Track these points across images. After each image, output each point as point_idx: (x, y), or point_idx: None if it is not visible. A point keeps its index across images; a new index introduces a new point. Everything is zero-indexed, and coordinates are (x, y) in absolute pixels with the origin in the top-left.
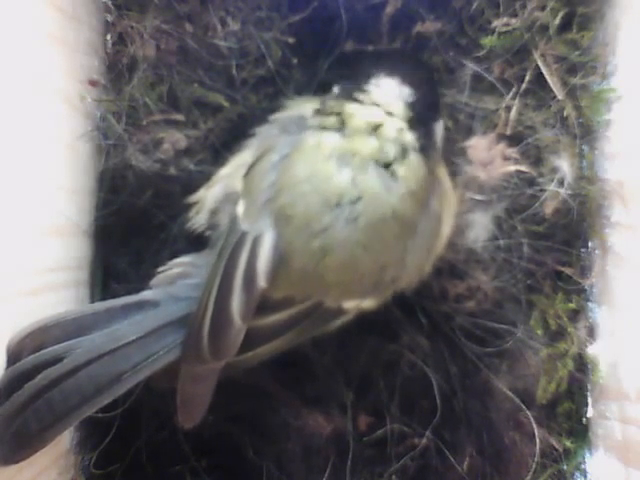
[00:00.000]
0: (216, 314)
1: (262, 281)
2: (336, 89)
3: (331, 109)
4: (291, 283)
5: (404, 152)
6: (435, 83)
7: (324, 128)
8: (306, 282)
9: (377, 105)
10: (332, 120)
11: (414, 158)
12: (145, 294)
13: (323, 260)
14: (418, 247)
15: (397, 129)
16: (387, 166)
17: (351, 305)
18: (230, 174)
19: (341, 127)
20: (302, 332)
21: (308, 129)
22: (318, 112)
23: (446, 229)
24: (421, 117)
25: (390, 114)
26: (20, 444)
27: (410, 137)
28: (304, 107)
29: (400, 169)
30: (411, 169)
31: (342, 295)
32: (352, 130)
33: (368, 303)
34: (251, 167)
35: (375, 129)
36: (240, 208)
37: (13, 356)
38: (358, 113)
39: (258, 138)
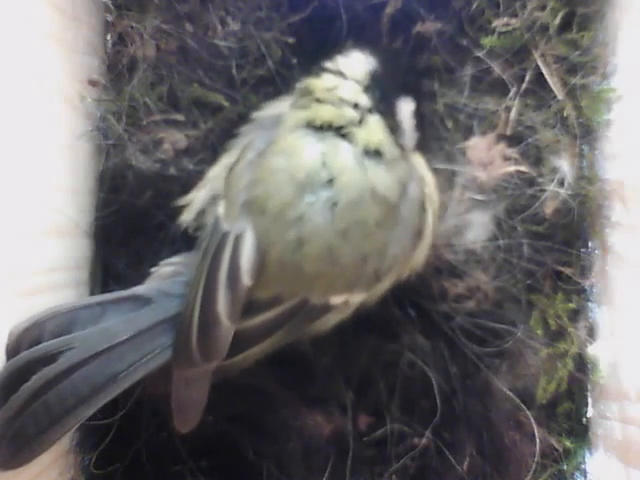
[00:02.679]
0: (203, 316)
1: (246, 279)
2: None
3: (301, 91)
4: (274, 280)
5: (362, 114)
6: (412, 71)
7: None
8: (286, 276)
9: (339, 72)
10: (305, 100)
11: (372, 120)
12: (137, 289)
13: (300, 250)
14: (400, 236)
15: (351, 90)
16: (344, 129)
17: (338, 301)
18: (216, 175)
19: (309, 104)
20: (291, 331)
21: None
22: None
23: (431, 218)
24: (380, 85)
25: (345, 77)
26: (18, 448)
27: (365, 99)
28: (283, 105)
29: (359, 132)
30: (371, 130)
31: (327, 290)
32: (313, 101)
33: (356, 298)
34: (231, 168)
35: (329, 91)
36: (221, 209)
37: (12, 352)
38: (317, 82)
39: (240, 138)
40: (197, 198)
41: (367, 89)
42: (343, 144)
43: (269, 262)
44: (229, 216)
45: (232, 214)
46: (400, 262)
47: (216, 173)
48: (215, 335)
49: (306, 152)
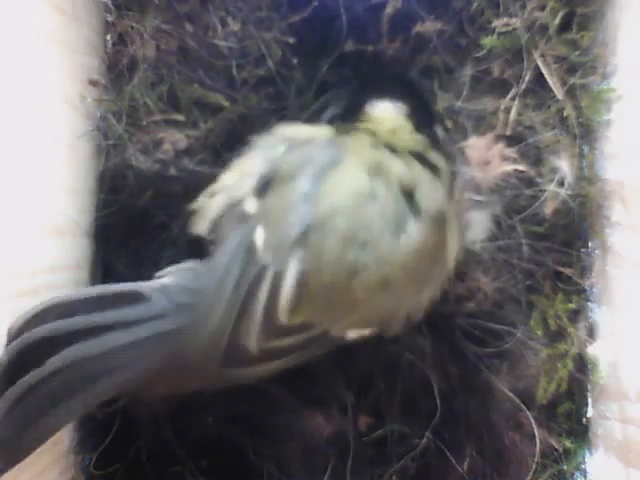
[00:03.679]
0: (232, 347)
1: (283, 317)
2: (325, 117)
3: (346, 129)
4: (309, 308)
5: (425, 150)
6: (425, 97)
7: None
8: (326, 304)
9: (381, 121)
10: (361, 134)
11: (433, 153)
12: (138, 285)
13: (356, 277)
14: (435, 280)
15: (409, 131)
16: (421, 158)
17: (354, 335)
18: (234, 184)
19: (373, 135)
20: (301, 356)
21: (342, 152)
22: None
23: (451, 258)
24: (422, 122)
25: (397, 123)
26: (7, 442)
27: (420, 137)
28: (307, 131)
29: (432, 155)
30: (437, 159)
31: (354, 324)
32: (380, 137)
33: (368, 332)
34: (269, 189)
35: (394, 134)
36: (259, 238)
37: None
38: (374, 125)
39: (263, 150)
40: (211, 206)
41: (417, 130)
42: (425, 171)
43: (316, 287)
44: (270, 248)
45: (275, 247)
46: (422, 306)
47: (233, 181)
48: (240, 364)
49: (389, 161)
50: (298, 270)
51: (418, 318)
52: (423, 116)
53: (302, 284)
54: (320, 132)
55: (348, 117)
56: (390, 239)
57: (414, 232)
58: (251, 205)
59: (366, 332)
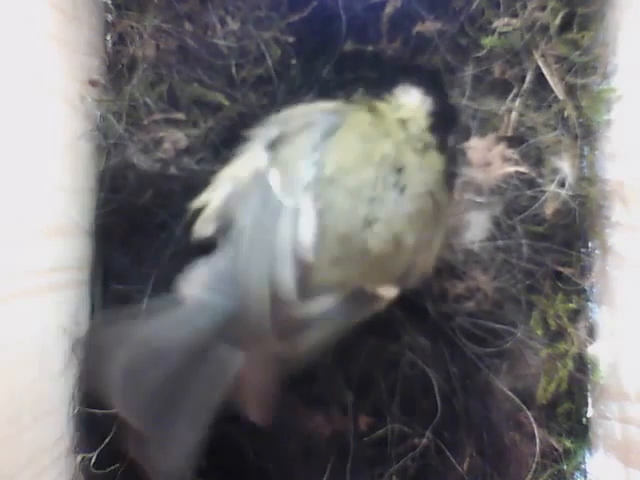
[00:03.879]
0: (274, 292)
1: (309, 255)
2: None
3: (360, 102)
4: (337, 262)
5: (426, 147)
6: (453, 103)
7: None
8: (348, 258)
9: (402, 106)
10: (364, 109)
11: (433, 154)
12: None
13: (369, 229)
14: (440, 233)
15: (419, 127)
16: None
17: (384, 292)
18: (237, 174)
19: (374, 115)
20: (348, 318)
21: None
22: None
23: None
24: (439, 125)
25: (413, 114)
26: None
27: (430, 137)
28: (303, 109)
29: (425, 156)
30: (431, 163)
31: (378, 279)
32: (384, 119)
33: (392, 293)
34: (278, 145)
35: (403, 123)
36: (274, 180)
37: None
38: (387, 108)
39: (260, 138)
40: (214, 199)
41: (431, 129)
42: (407, 146)
43: (334, 238)
44: (286, 190)
45: (291, 189)
46: (431, 260)
47: (235, 173)
48: (286, 311)
49: (380, 140)
50: (316, 208)
51: (430, 271)
52: (444, 121)
53: (322, 225)
54: (318, 106)
55: (373, 91)
56: (395, 195)
57: (410, 192)
58: (263, 158)
59: (394, 292)
